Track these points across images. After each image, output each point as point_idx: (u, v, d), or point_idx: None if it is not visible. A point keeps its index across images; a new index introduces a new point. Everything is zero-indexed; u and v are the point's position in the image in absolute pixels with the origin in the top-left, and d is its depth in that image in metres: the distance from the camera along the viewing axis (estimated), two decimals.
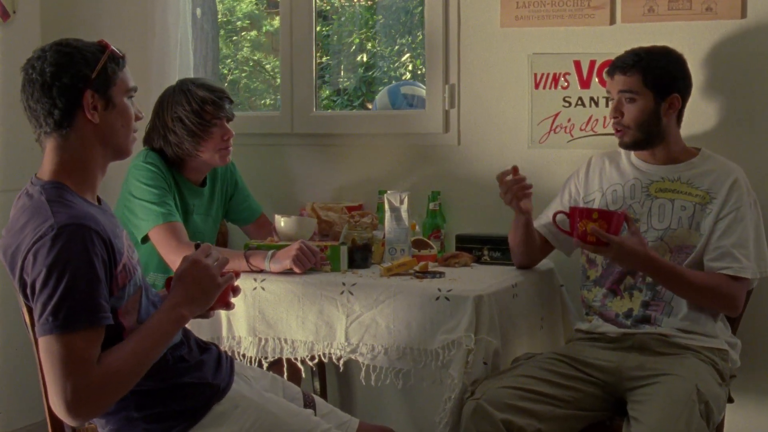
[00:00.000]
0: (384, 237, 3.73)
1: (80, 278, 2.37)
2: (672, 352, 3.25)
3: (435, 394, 3.31)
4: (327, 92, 7.54)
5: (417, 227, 3.97)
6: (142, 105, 3.68)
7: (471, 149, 4.20)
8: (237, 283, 2.82)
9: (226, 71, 8.40)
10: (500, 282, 3.41)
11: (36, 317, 2.40)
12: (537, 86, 4.05)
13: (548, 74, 4.03)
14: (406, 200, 3.64)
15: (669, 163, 3.47)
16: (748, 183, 3.42)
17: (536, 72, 4.04)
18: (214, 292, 2.65)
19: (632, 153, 3.52)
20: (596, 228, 3.10)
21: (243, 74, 8.72)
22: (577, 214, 3.18)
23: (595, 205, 3.50)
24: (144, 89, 3.98)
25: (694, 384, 3.01)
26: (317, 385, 4.37)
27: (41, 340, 2.37)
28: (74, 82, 2.50)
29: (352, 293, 3.30)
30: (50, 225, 2.39)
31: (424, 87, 4.39)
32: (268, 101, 8.53)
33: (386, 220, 3.65)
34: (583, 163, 3.67)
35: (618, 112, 3.38)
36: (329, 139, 4.48)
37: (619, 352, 3.29)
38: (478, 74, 4.16)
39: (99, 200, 2.68)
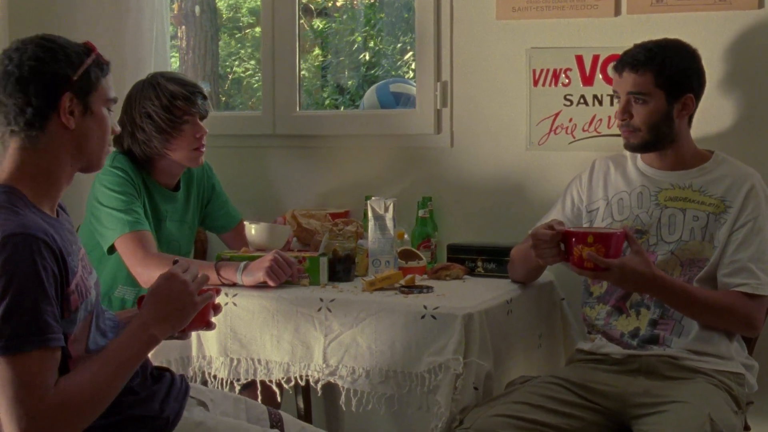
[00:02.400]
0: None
1: (27, 293, 2.22)
2: (682, 377, 3.09)
3: (426, 414, 3.19)
4: (328, 91, 7.56)
5: (406, 236, 3.87)
6: (117, 103, 3.56)
7: (464, 152, 4.10)
8: (218, 300, 2.71)
9: (228, 70, 8.29)
10: (494, 297, 3.29)
11: None
12: (536, 83, 3.94)
13: (548, 70, 3.92)
14: (391, 207, 3.51)
15: (679, 168, 3.32)
16: (766, 190, 3.27)
17: (535, 68, 3.94)
18: (191, 312, 2.52)
19: (639, 156, 3.39)
20: (593, 254, 2.97)
21: (247, 72, 8.64)
22: (572, 238, 3.02)
23: (599, 215, 3.37)
24: (118, 87, 3.95)
25: (707, 412, 2.85)
26: (301, 405, 4.24)
27: None
28: (54, 81, 2.37)
29: (330, 310, 3.17)
30: None
31: (415, 84, 4.30)
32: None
33: (369, 229, 3.53)
34: (586, 168, 3.52)
35: (626, 114, 3.25)
36: (313, 140, 4.39)
37: (624, 375, 3.14)
38: (472, 70, 4.06)
39: (58, 213, 2.52)
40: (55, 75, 2.37)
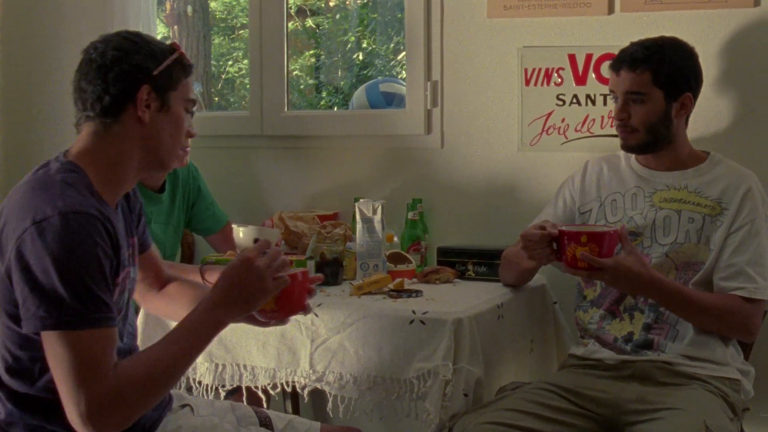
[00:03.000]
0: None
1: (88, 271, 2.22)
2: (677, 383, 3.04)
3: (415, 422, 3.18)
4: (325, 92, 7.59)
5: (395, 239, 3.83)
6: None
7: (455, 152, 4.07)
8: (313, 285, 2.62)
9: (221, 70, 8.30)
10: (484, 302, 3.24)
11: (32, 307, 2.22)
12: (528, 83, 3.91)
13: (540, 70, 3.89)
14: (380, 209, 3.47)
15: (675, 169, 3.27)
16: (763, 191, 3.23)
17: (527, 67, 3.91)
18: (261, 298, 2.44)
19: (633, 157, 3.36)
20: (586, 254, 2.91)
21: (240, 72, 8.65)
22: (564, 237, 2.96)
23: (592, 217, 3.33)
24: None
25: (702, 419, 2.80)
26: (290, 410, 4.21)
27: (46, 336, 2.21)
28: (134, 71, 2.38)
29: (317, 315, 3.10)
30: (57, 208, 2.23)
31: (405, 84, 4.28)
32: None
33: (357, 232, 3.49)
34: (579, 168, 3.48)
35: (624, 114, 3.21)
36: (302, 141, 4.36)
37: (617, 381, 3.09)
38: (463, 70, 4.04)
39: (118, 206, 2.53)
40: (136, 66, 2.38)
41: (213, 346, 3.09)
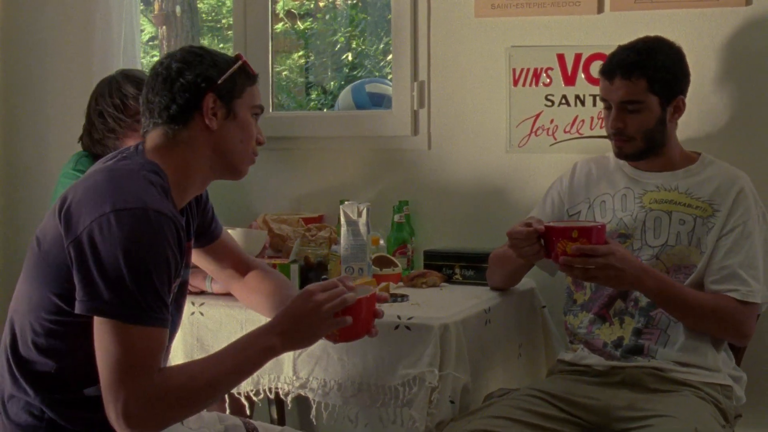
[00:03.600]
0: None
1: (158, 269, 2.28)
2: (668, 389, 3.02)
3: (400, 429, 3.18)
4: (315, 93, 7.52)
5: (381, 242, 3.79)
6: (84, 102, 3.66)
7: (442, 154, 4.05)
8: (379, 305, 2.66)
9: None
10: (472, 306, 3.22)
11: (93, 290, 2.26)
12: (516, 83, 3.88)
13: (528, 70, 3.87)
14: (365, 212, 3.40)
15: (665, 170, 3.24)
16: (755, 192, 3.20)
17: (515, 67, 3.88)
18: (319, 334, 2.52)
19: None
20: (579, 246, 2.86)
21: None
22: (552, 233, 2.92)
23: (581, 218, 3.30)
24: (85, 87, 4.05)
25: (693, 427, 2.78)
26: (275, 415, 4.18)
27: (100, 323, 2.25)
28: (198, 81, 2.47)
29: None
30: (141, 201, 2.29)
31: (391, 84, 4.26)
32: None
33: (342, 235, 3.42)
34: (568, 170, 3.46)
35: (620, 123, 3.16)
36: (286, 142, 4.31)
37: (607, 388, 3.05)
38: (450, 70, 4.01)
39: (184, 211, 2.61)
40: (200, 75, 2.46)
41: (194, 350, 3.20)
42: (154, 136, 2.50)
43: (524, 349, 3.51)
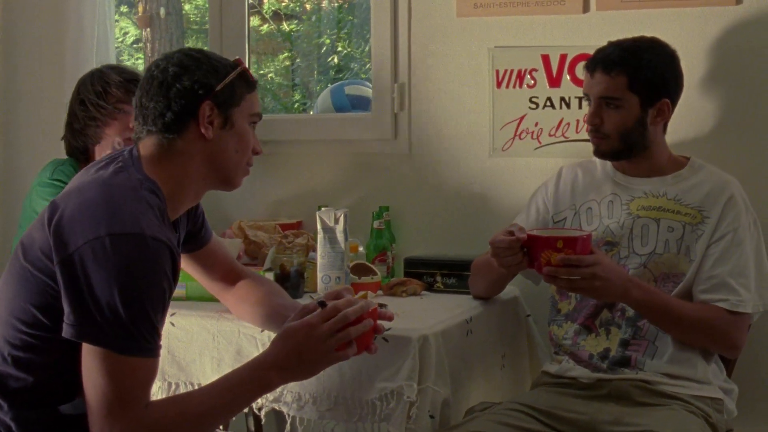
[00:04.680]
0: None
1: (154, 299, 2.25)
2: (656, 403, 2.98)
3: None
4: (298, 96, 7.63)
5: (360, 248, 3.76)
6: (56, 103, 3.60)
7: (423, 158, 4.01)
8: (381, 322, 2.64)
9: None
10: (453, 316, 3.18)
11: (82, 316, 2.22)
12: (499, 85, 3.84)
13: (512, 71, 3.83)
14: (342, 219, 3.36)
15: (653, 175, 3.21)
16: (746, 199, 3.16)
17: (498, 68, 3.85)
18: (320, 368, 2.51)
19: (609, 162, 3.29)
20: (564, 257, 2.80)
21: None
22: (537, 243, 2.86)
23: (566, 226, 3.27)
24: (57, 89, 4.22)
25: None
26: (252, 427, 4.15)
27: (89, 350, 2.22)
28: (195, 87, 2.41)
29: (273, 331, 2.99)
30: (138, 227, 2.24)
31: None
32: None
33: (319, 243, 3.38)
34: (553, 175, 3.43)
35: (597, 119, 3.14)
36: (265, 146, 3.97)
37: (593, 402, 3.02)
38: (431, 71, 3.97)
39: (176, 220, 2.57)
40: (197, 82, 2.40)
41: (165, 363, 3.12)
42: (148, 145, 2.43)
43: (508, 360, 3.47)
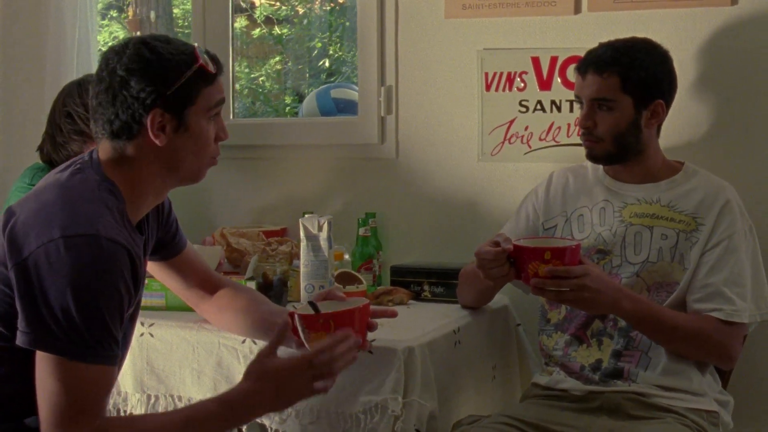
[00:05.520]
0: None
1: (109, 302, 2.19)
2: (649, 416, 2.92)
3: None
4: (289, 99, 7.62)
5: (346, 256, 3.75)
6: (35, 109, 3.56)
7: (411, 163, 4.00)
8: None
9: None
10: (440, 327, 3.14)
11: (36, 322, 2.16)
12: (488, 88, 3.82)
13: (501, 74, 3.81)
14: (326, 226, 3.32)
15: (646, 182, 3.16)
16: (741, 205, 3.12)
17: (487, 71, 3.83)
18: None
19: (601, 168, 3.25)
20: (552, 268, 2.75)
21: None
22: (523, 254, 2.80)
23: (557, 233, 3.22)
24: (37, 92, 4.24)
25: None
26: None
27: (42, 358, 2.16)
28: (142, 96, 2.30)
29: (255, 342, 2.97)
30: (93, 228, 2.19)
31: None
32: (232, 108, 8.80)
33: (302, 251, 3.33)
34: (543, 180, 3.39)
35: (589, 121, 3.10)
36: (248, 151, 4.26)
37: (584, 415, 2.97)
38: (419, 74, 3.96)
39: (142, 226, 2.49)
40: (145, 89, 2.29)
41: (144, 374, 3.10)
42: (104, 147, 2.37)
43: (498, 370, 3.44)
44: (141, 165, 2.35)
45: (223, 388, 3.00)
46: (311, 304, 2.48)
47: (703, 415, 2.94)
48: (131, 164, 2.35)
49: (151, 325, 3.11)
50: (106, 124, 2.32)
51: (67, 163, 2.40)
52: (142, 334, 3.10)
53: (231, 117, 4.39)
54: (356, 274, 3.55)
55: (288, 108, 7.36)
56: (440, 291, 3.49)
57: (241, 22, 7.18)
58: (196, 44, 2.38)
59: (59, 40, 4.38)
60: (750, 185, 3.41)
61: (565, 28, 3.70)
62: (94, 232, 2.16)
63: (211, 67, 2.36)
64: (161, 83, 2.30)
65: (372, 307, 2.58)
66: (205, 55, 2.35)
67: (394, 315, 2.63)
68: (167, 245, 2.70)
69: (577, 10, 3.67)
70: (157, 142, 2.31)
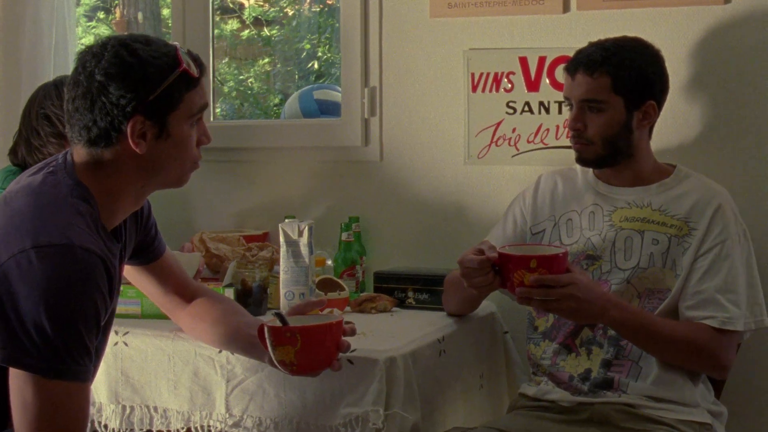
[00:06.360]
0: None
1: (80, 316, 2.13)
2: (640, 428, 2.89)
3: None
4: (277, 100, 7.64)
5: (328, 262, 3.75)
6: (11, 112, 3.53)
7: (396, 166, 3.96)
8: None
9: None
10: (424, 335, 3.11)
11: (7, 337, 2.12)
12: (475, 89, 3.79)
13: (488, 74, 3.77)
14: (306, 231, 3.27)
15: (637, 185, 3.13)
16: (735, 209, 3.08)
17: (474, 71, 3.79)
18: None
19: (590, 171, 3.21)
20: (538, 277, 2.70)
21: None
22: (509, 263, 2.75)
23: (545, 238, 3.18)
24: (13, 93, 4.19)
25: None
26: None
27: (16, 375, 2.12)
28: (122, 103, 2.23)
29: (233, 352, 2.95)
30: (66, 237, 2.14)
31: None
32: (218, 110, 8.81)
33: (282, 257, 3.29)
34: (531, 184, 3.36)
35: (579, 124, 3.07)
36: (229, 153, 4.22)
37: (573, 426, 2.94)
38: (403, 75, 3.93)
39: (120, 231, 2.44)
40: (125, 96, 2.23)
41: (118, 385, 3.08)
42: (79, 152, 2.30)
43: (486, 379, 3.41)
44: (118, 171, 2.29)
45: (200, 400, 3.05)
46: (278, 315, 2.43)
47: (695, 427, 2.90)
48: (108, 170, 2.29)
49: (126, 333, 3.09)
50: (83, 131, 2.26)
51: (40, 164, 2.34)
52: (116, 343, 3.08)
53: (212, 119, 4.37)
54: (338, 280, 3.53)
55: (276, 109, 7.45)
56: (425, 298, 3.46)
57: (231, 24, 7.19)
58: (177, 44, 2.31)
59: (36, 43, 4.36)
60: (744, 188, 3.40)
61: (553, 27, 3.67)
62: (67, 241, 2.11)
63: (194, 71, 2.30)
64: (142, 89, 2.24)
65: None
66: (188, 57, 2.29)
67: (353, 333, 2.58)
68: (146, 249, 2.65)
69: (566, 8, 3.65)
70: (137, 150, 2.25)
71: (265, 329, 2.43)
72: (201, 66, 2.32)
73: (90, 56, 2.26)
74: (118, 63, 2.23)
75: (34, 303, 2.07)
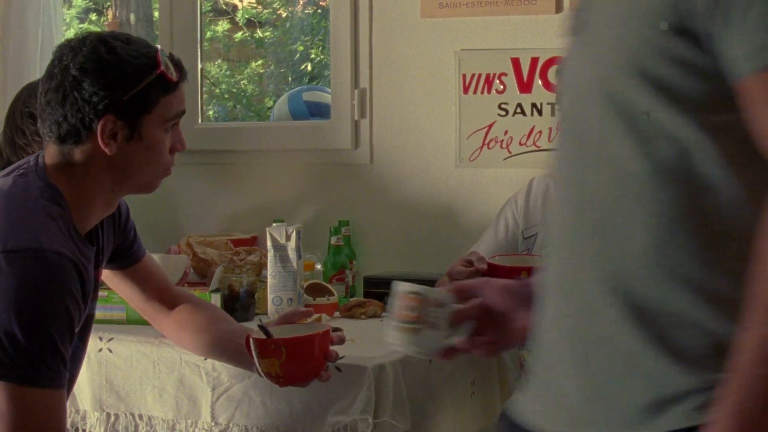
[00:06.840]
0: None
1: (53, 321, 2.10)
2: None
3: None
4: (271, 102, 7.64)
5: (318, 266, 3.74)
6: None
7: (386, 169, 3.97)
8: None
9: None
10: None
11: None
12: (466, 90, 3.80)
13: (480, 75, 3.79)
14: (294, 236, 3.25)
15: None
16: None
17: (465, 72, 3.81)
18: None
19: None
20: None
21: None
22: (499, 275, 2.72)
23: (538, 242, 3.17)
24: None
25: None
26: None
27: None
28: (94, 100, 2.18)
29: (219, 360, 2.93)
30: (36, 241, 2.11)
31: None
32: (211, 112, 8.87)
33: (269, 262, 3.27)
34: (523, 187, 3.37)
35: None
36: (217, 156, 4.24)
37: None
38: (394, 76, 3.94)
39: (95, 235, 2.38)
40: (98, 93, 2.18)
41: (103, 392, 3.04)
42: (50, 151, 2.26)
43: (478, 386, 3.33)
44: (88, 172, 2.25)
45: (185, 407, 2.99)
46: (262, 328, 2.39)
47: None
48: (78, 171, 2.24)
49: (110, 339, 3.04)
50: (54, 126, 2.21)
51: (12, 166, 2.30)
52: (100, 350, 3.04)
53: (200, 121, 4.36)
54: (327, 285, 3.50)
55: (268, 111, 7.44)
56: None
57: (224, 26, 7.15)
58: (159, 47, 2.26)
59: (22, 43, 4.34)
60: None
61: (546, 27, 3.66)
62: (37, 245, 2.08)
63: (172, 74, 2.25)
64: (117, 88, 2.19)
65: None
66: (168, 60, 2.24)
67: (342, 341, 2.55)
68: (125, 253, 2.60)
69: (559, 9, 3.66)
70: (106, 150, 2.20)
71: (251, 341, 2.40)
72: (182, 71, 2.27)
73: (68, 50, 2.22)
74: (95, 59, 2.20)
75: (4, 309, 2.04)
